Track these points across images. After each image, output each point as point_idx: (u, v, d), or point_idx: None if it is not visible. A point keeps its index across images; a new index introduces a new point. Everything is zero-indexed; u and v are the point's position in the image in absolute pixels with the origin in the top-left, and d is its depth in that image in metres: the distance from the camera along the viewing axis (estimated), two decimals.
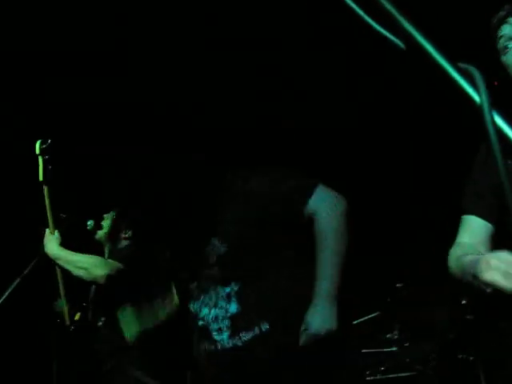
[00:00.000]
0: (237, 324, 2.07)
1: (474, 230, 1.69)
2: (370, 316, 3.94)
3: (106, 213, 3.29)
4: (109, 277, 2.88)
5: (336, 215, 2.02)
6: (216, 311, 2.11)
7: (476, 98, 0.76)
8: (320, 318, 1.96)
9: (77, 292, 3.08)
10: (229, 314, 2.08)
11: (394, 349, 3.69)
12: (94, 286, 3.15)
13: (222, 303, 2.10)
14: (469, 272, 1.48)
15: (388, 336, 3.80)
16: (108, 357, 2.95)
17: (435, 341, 3.62)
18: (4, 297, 2.96)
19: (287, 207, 2.07)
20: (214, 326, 2.11)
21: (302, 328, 1.99)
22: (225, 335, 2.08)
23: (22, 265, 3.06)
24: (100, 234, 3.23)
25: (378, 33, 0.87)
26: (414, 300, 3.84)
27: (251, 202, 2.09)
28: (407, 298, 3.84)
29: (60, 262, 2.91)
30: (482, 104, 0.75)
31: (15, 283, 2.98)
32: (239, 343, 2.06)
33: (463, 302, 3.50)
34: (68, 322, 2.90)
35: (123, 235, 3.24)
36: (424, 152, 4.19)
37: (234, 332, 2.07)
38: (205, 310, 2.14)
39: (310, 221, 2.04)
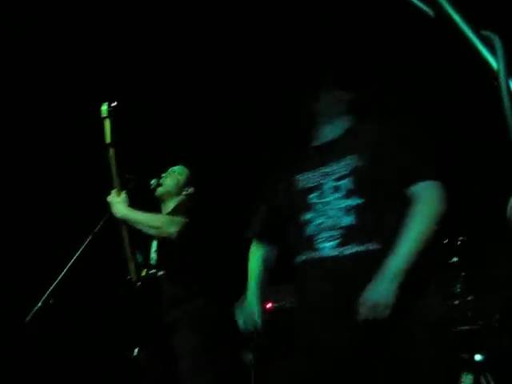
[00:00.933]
0: (348, 236, 2.04)
1: None
2: None
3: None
4: (180, 233, 3.01)
5: (435, 210, 2.06)
6: (331, 221, 2.09)
7: (494, 64, 0.78)
8: (376, 290, 1.92)
9: (143, 249, 3.22)
10: (343, 225, 2.06)
11: (456, 302, 3.67)
12: (155, 242, 3.28)
13: (340, 214, 2.08)
14: None
15: (450, 289, 3.79)
16: (168, 310, 3.09)
17: (498, 296, 3.58)
18: (78, 253, 3.14)
19: (398, 172, 2.10)
20: (324, 234, 2.09)
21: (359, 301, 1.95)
22: (330, 244, 2.06)
23: (93, 223, 3.23)
24: (160, 190, 3.30)
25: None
26: (478, 254, 3.79)
27: (376, 146, 2.12)
28: (471, 251, 3.79)
29: (129, 222, 3.05)
30: (499, 70, 0.76)
31: (87, 241, 3.15)
32: (341, 255, 2.03)
33: None
34: (135, 278, 3.03)
35: (184, 192, 3.33)
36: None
37: (343, 243, 2.04)
38: (319, 219, 2.11)
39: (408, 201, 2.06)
